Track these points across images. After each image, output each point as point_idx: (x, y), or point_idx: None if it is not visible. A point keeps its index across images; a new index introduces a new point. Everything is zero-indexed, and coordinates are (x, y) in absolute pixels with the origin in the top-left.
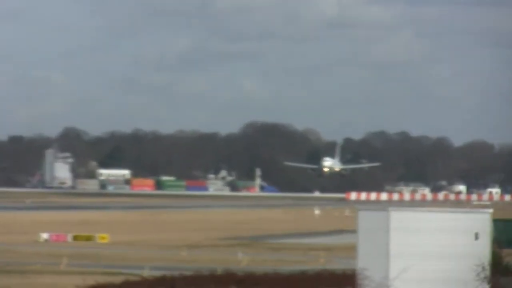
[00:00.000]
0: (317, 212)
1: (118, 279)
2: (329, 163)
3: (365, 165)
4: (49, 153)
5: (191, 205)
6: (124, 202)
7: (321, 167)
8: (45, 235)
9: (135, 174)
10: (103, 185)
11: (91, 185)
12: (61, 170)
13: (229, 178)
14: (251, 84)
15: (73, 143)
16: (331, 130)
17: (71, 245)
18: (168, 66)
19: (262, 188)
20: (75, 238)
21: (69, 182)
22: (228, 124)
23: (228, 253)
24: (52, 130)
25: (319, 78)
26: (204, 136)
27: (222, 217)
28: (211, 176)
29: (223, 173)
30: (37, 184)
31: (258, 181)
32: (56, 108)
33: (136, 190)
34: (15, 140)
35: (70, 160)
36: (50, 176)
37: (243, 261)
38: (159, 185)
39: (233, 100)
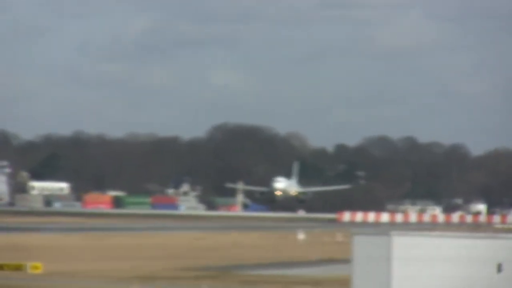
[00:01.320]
0: (301, 236)
1: None
2: (282, 185)
3: (332, 187)
4: None
5: (151, 227)
6: (66, 223)
7: (272, 190)
8: None
9: (75, 188)
10: (48, 201)
11: (33, 202)
12: None
13: (193, 194)
14: (223, 77)
15: None
16: (320, 135)
17: None
18: (121, 53)
19: (245, 207)
20: (1, 267)
21: (5, 197)
22: (192, 127)
23: (191, 287)
24: None
25: (309, 71)
26: (162, 141)
27: (187, 242)
28: (170, 190)
29: (185, 187)
30: None
31: (240, 198)
32: None
33: (89, 208)
34: None
35: (7, 170)
36: None
37: None
38: (118, 202)
39: (200, 96)
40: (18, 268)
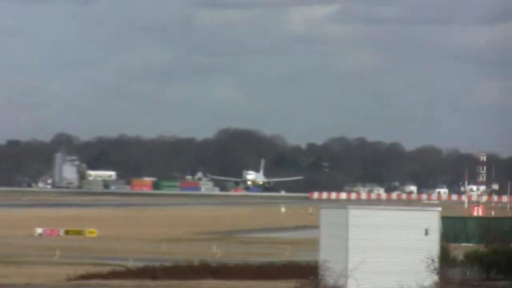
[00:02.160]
0: (283, 209)
1: (105, 270)
2: (252, 177)
3: (288, 178)
4: (58, 156)
5: (173, 202)
6: (115, 200)
7: (245, 180)
8: (39, 230)
9: (119, 175)
10: (106, 185)
11: (95, 185)
12: (68, 172)
13: (204, 179)
14: (225, 93)
15: (64, 147)
16: (295, 136)
17: (63, 239)
18: (152, 77)
19: (247, 189)
20: (67, 232)
21: (75, 182)
22: (203, 130)
23: (204, 247)
24: (46, 135)
25: (287, 88)
26: (182, 141)
27: (200, 214)
28: (188, 177)
29: (199, 174)
30: (46, 185)
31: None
32: (50, 115)
33: (135, 190)
34: (13, 144)
35: (77, 162)
36: (59, 177)
37: (217, 253)
38: (156, 185)
39: (209, 108)
40: (79, 233)
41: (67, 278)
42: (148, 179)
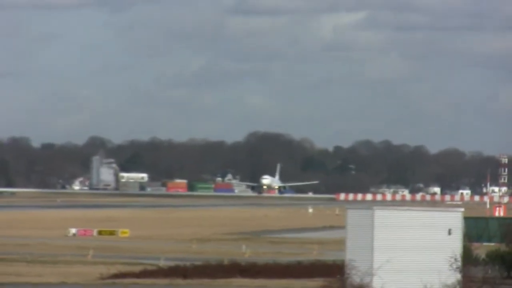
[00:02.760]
0: (310, 210)
1: (137, 269)
2: (267, 181)
3: (303, 183)
4: (96, 159)
5: (205, 204)
6: (149, 202)
7: (260, 185)
8: (73, 230)
9: (151, 177)
10: (142, 187)
11: (132, 187)
12: (106, 174)
13: (234, 181)
14: (255, 98)
15: (97, 150)
16: (323, 139)
17: (96, 239)
18: (184, 82)
19: (280, 191)
20: (100, 233)
21: (112, 184)
22: (233, 134)
23: (234, 246)
24: (80, 139)
25: (315, 93)
26: (212, 144)
27: (230, 215)
28: (219, 179)
29: (229, 176)
30: (84, 186)
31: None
32: (84, 119)
33: (170, 192)
34: (48, 147)
35: (114, 165)
36: (96, 179)
37: (246, 253)
38: (191, 187)
39: (239, 112)
40: (112, 233)
41: (100, 277)
42: (182, 181)
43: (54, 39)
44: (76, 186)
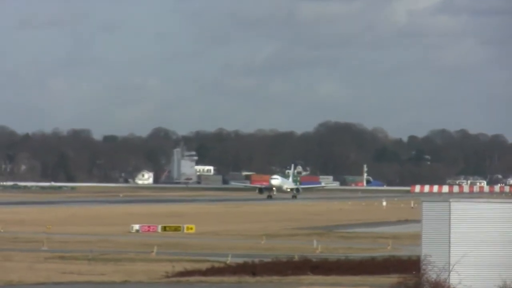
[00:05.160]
0: (384, 203)
1: (203, 266)
2: (277, 182)
3: (320, 185)
4: (177, 151)
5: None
6: (216, 195)
7: (270, 187)
8: (136, 226)
9: (217, 170)
10: (225, 180)
11: (214, 181)
12: (187, 167)
13: (304, 173)
14: (326, 87)
15: (161, 141)
16: (397, 129)
17: (160, 235)
18: (253, 71)
19: (368, 182)
20: (164, 228)
21: (194, 178)
22: (303, 124)
23: (304, 242)
24: (143, 130)
25: (389, 81)
26: (281, 135)
27: (300, 209)
28: (288, 171)
29: (299, 168)
30: (165, 180)
31: (364, 176)
32: (148, 110)
33: (255, 185)
34: (110, 140)
35: (195, 158)
36: (177, 172)
37: (318, 248)
38: None
39: (309, 101)
40: (177, 229)
41: (166, 275)
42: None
43: (118, 27)
44: (140, 180)
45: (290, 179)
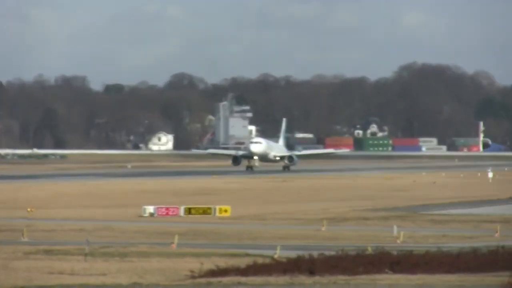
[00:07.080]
0: (490, 175)
1: (243, 262)
2: (259, 148)
3: (316, 151)
4: (224, 106)
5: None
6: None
7: (248, 154)
8: (150, 208)
9: (260, 131)
10: (289, 145)
11: None
12: (238, 128)
13: (380, 134)
14: (415, 16)
15: (184, 92)
16: (506, 74)
17: (184, 220)
18: None
19: (486, 146)
20: (189, 211)
21: (247, 142)
22: (379, 67)
23: (380, 228)
24: (159, 78)
25: (497, 9)
26: (349, 82)
27: (377, 182)
28: (358, 131)
29: (373, 128)
30: (207, 145)
31: (481, 138)
32: (165, 51)
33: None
34: (114, 90)
35: (249, 114)
36: (224, 134)
37: (399, 237)
38: (358, 144)
39: (389, 37)
40: (206, 212)
41: (191, 274)
42: (347, 137)
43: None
44: (155, 146)
45: (281, 141)
